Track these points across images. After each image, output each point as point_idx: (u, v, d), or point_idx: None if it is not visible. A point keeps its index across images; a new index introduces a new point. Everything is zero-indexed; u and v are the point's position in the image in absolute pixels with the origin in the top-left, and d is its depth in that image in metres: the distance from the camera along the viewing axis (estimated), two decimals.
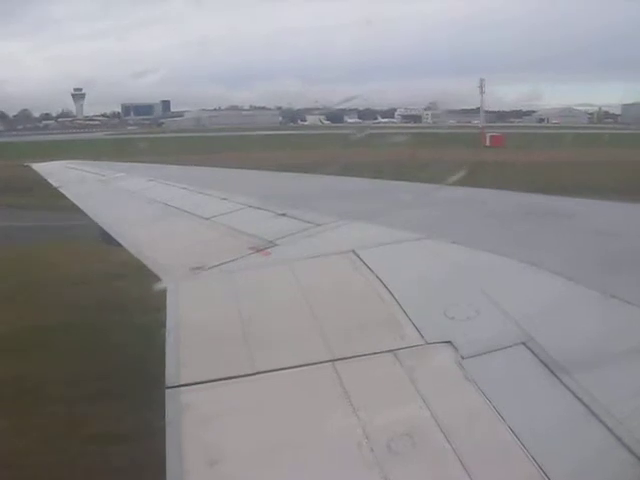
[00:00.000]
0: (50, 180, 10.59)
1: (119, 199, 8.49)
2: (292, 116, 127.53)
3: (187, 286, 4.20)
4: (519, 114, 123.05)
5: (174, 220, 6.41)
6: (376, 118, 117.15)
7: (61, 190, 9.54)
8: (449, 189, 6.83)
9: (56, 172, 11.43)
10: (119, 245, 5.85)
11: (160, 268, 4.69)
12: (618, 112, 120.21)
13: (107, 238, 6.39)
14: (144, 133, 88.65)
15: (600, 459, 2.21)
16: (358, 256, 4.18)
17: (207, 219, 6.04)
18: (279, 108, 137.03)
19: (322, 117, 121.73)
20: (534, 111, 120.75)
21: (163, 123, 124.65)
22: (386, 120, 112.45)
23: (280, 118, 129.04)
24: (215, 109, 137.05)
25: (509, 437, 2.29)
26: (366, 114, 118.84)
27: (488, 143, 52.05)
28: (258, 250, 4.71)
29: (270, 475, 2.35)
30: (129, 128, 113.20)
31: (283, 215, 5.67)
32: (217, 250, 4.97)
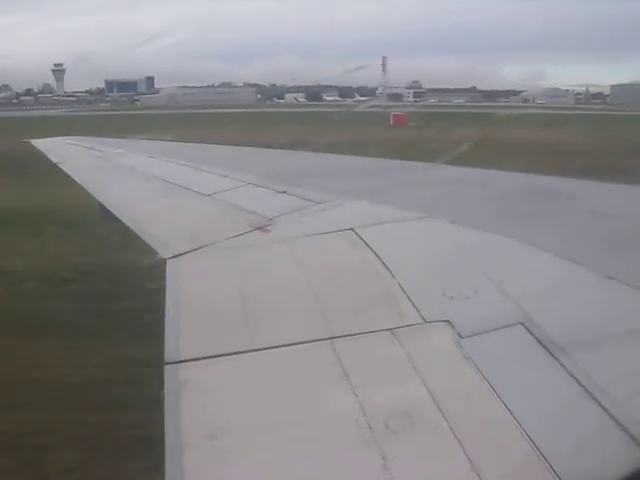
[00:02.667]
0: (50, 156, 10.43)
1: (119, 175, 8.38)
2: (269, 94, 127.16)
3: (187, 262, 4.20)
4: (508, 94, 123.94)
5: (174, 197, 6.38)
6: (354, 96, 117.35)
7: (60, 166, 9.42)
8: (449, 168, 6.79)
9: (55, 148, 11.18)
10: (119, 221, 5.83)
11: (160, 244, 4.69)
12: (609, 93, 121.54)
13: (107, 214, 6.37)
14: (111, 110, 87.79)
15: (596, 439, 2.22)
16: (358, 234, 4.18)
17: (207, 196, 6.01)
18: (255, 85, 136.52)
19: (299, 95, 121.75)
20: (522, 91, 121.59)
21: (137, 100, 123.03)
22: (365, 98, 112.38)
23: (259, 96, 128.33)
24: (208, 86, 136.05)
25: (506, 416, 2.30)
26: (347, 92, 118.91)
27: (392, 122, 54.13)
28: (258, 227, 4.71)
29: (268, 451, 2.36)
30: (101, 105, 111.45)
31: (283, 193, 5.66)
32: (217, 227, 4.98)
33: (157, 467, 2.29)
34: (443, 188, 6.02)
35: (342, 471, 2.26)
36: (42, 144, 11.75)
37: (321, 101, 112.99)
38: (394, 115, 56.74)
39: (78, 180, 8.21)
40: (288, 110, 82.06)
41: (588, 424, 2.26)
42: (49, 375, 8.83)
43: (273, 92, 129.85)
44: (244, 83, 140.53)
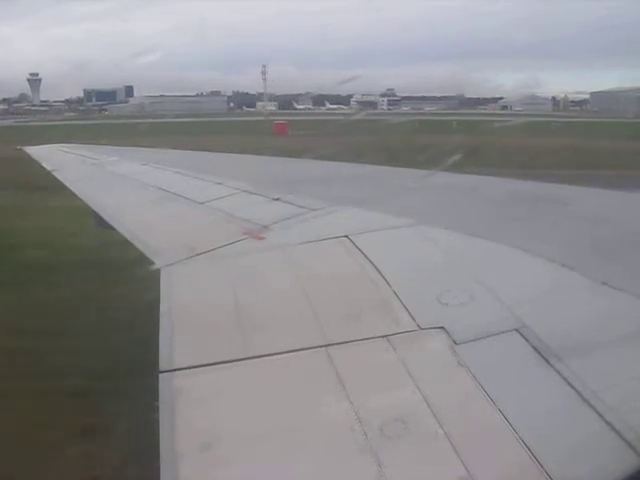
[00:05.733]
0: (43, 164, 10.38)
1: (113, 183, 8.41)
2: (240, 102, 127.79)
3: (181, 270, 4.22)
4: (487, 101, 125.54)
5: (168, 204, 6.40)
6: (324, 104, 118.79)
7: (54, 174, 9.37)
8: (442, 175, 6.83)
9: (49, 156, 11.17)
10: (113, 229, 5.83)
11: (154, 252, 4.71)
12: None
13: (101, 222, 6.37)
14: (72, 120, 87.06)
15: (591, 445, 2.23)
16: (352, 241, 4.21)
17: (201, 203, 6.04)
18: (227, 94, 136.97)
19: (269, 104, 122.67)
20: (501, 98, 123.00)
21: (105, 110, 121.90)
22: (335, 106, 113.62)
23: (231, 104, 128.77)
24: (197, 94, 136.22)
25: (501, 423, 2.31)
26: (320, 100, 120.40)
27: (274, 131, 55.16)
28: (252, 235, 4.74)
29: (263, 459, 2.37)
30: (66, 114, 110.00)
31: (277, 200, 5.69)
32: (211, 235, 4.99)
33: None
34: (436, 195, 6.06)
35: (338, 478, 2.28)
36: (36, 151, 11.66)
37: (291, 109, 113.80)
38: (276, 124, 58.20)
39: (72, 189, 8.19)
40: (233, 119, 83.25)
41: (583, 430, 2.28)
42: None
43: (245, 101, 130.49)
44: (233, 92, 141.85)
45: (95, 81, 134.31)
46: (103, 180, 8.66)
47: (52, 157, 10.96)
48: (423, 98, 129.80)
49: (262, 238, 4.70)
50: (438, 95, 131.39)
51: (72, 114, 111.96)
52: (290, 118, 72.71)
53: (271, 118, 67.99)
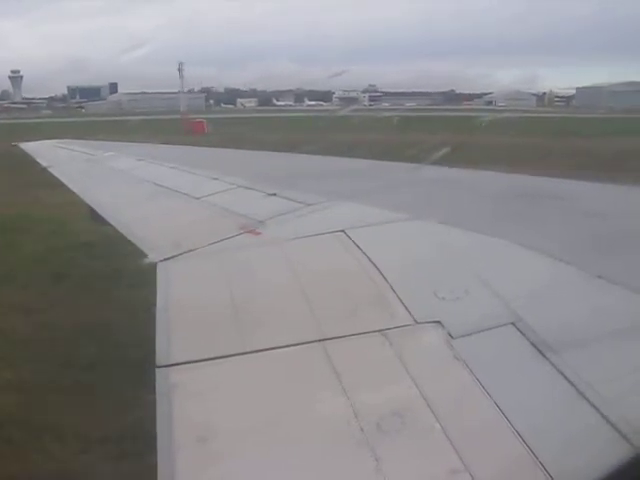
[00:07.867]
0: (39, 159, 10.35)
1: (109, 178, 8.41)
2: (220, 100, 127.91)
3: (177, 265, 4.21)
4: (472, 97, 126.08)
5: (164, 200, 6.40)
6: (304, 101, 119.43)
7: (50, 170, 9.35)
8: (438, 169, 6.86)
9: (44, 151, 11.16)
10: (109, 224, 5.84)
11: (150, 247, 4.70)
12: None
13: (97, 217, 6.37)
14: (41, 117, 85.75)
15: (588, 438, 2.23)
16: (348, 236, 4.20)
17: (197, 199, 6.05)
18: (203, 91, 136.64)
19: (249, 100, 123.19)
20: (487, 93, 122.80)
21: (82, 107, 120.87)
22: (314, 103, 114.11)
23: (211, 101, 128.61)
24: (188, 91, 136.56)
25: (498, 417, 2.31)
26: (302, 96, 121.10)
27: (190, 130, 55.29)
28: (248, 230, 4.73)
29: (259, 453, 2.36)
30: (43, 112, 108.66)
31: (273, 195, 5.68)
32: (207, 230, 4.99)
33: None
34: (432, 189, 6.06)
35: (334, 473, 2.27)
36: (31, 147, 11.60)
37: (271, 106, 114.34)
38: (194, 122, 58.75)
39: (67, 184, 8.17)
40: (192, 117, 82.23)
41: (579, 423, 2.28)
42: None
43: (224, 98, 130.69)
44: (225, 88, 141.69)
45: (84, 78, 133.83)
46: (98, 175, 8.66)
47: (46, 153, 10.93)
48: (412, 94, 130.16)
49: (258, 233, 4.70)
50: (429, 91, 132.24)
51: (49, 112, 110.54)
52: (252, 115, 73.22)
53: (189, 117, 68.53)
